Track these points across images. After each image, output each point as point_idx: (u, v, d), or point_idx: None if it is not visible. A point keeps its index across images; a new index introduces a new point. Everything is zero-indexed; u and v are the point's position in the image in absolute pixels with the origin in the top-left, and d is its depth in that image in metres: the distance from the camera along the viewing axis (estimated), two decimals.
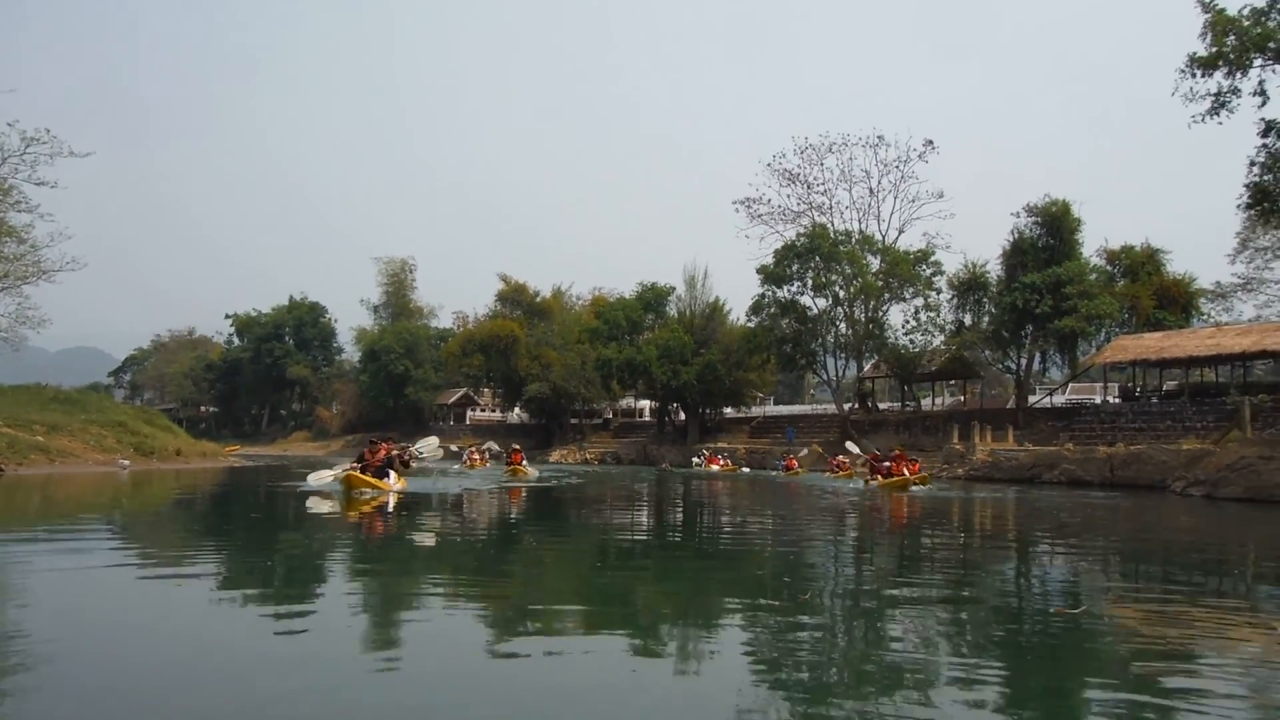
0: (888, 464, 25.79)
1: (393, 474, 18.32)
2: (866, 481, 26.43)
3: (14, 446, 24.85)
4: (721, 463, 44.00)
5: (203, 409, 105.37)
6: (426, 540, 9.74)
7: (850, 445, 33.05)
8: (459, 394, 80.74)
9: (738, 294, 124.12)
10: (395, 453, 19.75)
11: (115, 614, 4.81)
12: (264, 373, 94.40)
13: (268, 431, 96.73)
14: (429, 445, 22.62)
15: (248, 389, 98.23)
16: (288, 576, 6.59)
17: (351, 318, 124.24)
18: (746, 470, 42.37)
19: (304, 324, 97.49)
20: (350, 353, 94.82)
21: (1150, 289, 42.75)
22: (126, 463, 28.39)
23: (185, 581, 6.34)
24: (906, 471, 25.13)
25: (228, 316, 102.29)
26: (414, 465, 38.10)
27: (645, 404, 70.03)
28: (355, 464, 18.15)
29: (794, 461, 39.27)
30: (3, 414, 27.41)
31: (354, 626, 4.48)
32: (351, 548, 8.94)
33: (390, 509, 14.61)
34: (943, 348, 48.17)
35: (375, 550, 8.72)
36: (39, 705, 2.83)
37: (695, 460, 46.06)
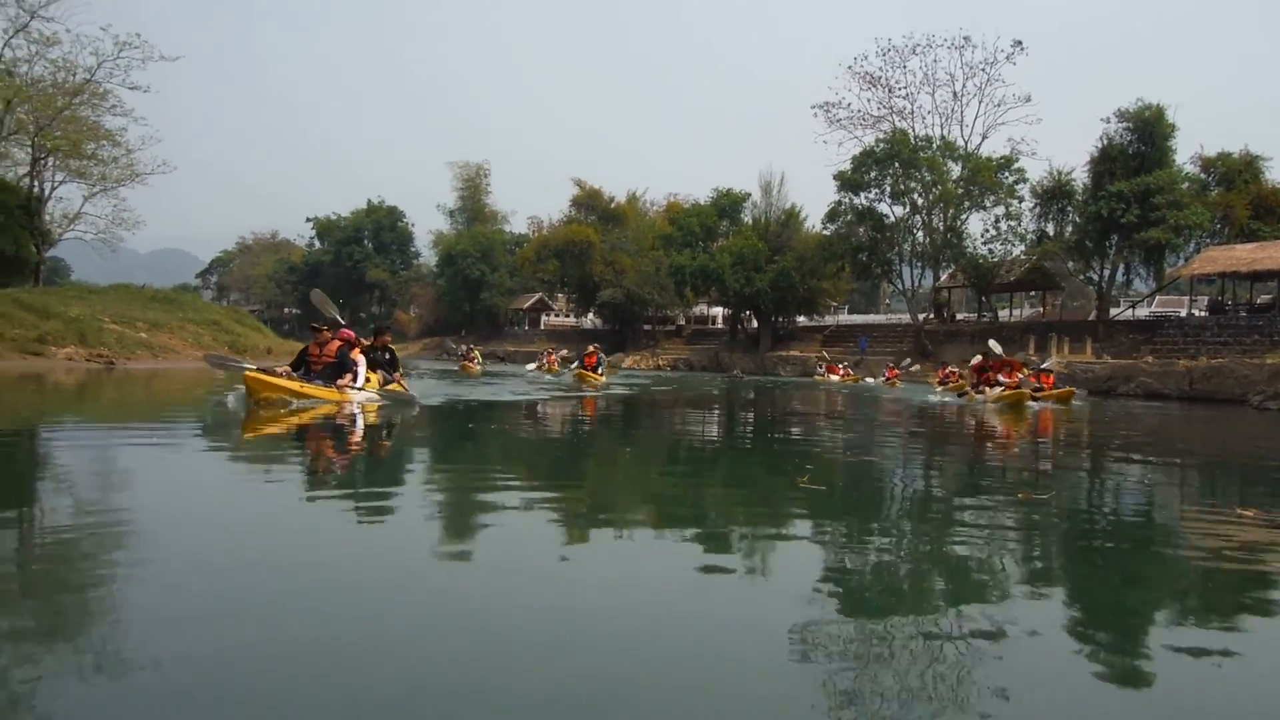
0: (999, 375, 21.30)
1: (361, 374, 12.81)
2: (970, 395, 21.94)
3: (122, 342, 26.31)
4: (842, 372, 40.76)
5: (286, 310, 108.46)
6: (494, 446, 9.63)
7: (993, 343, 23.91)
8: (534, 299, 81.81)
9: (814, 201, 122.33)
10: (369, 344, 14.31)
11: (207, 505, 5.09)
12: (344, 275, 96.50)
13: None
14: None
15: (328, 291, 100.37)
16: (366, 473, 6.79)
17: (429, 222, 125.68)
18: (871, 381, 38.55)
19: (382, 228, 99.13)
20: (427, 257, 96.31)
21: (1246, 198, 41.07)
22: None
23: (273, 474, 6.69)
24: (1012, 382, 20.79)
25: (308, 220, 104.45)
26: (481, 367, 36.01)
27: (718, 311, 70.17)
28: (279, 370, 12.49)
29: (894, 371, 38.20)
30: (109, 311, 28.93)
31: (428, 525, 4.59)
32: (425, 448, 9.18)
33: (343, 426, 10.27)
34: (1023, 258, 47.24)
35: (445, 452, 9.03)
36: (124, 594, 3.04)
37: (817, 370, 43.56)
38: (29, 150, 37.52)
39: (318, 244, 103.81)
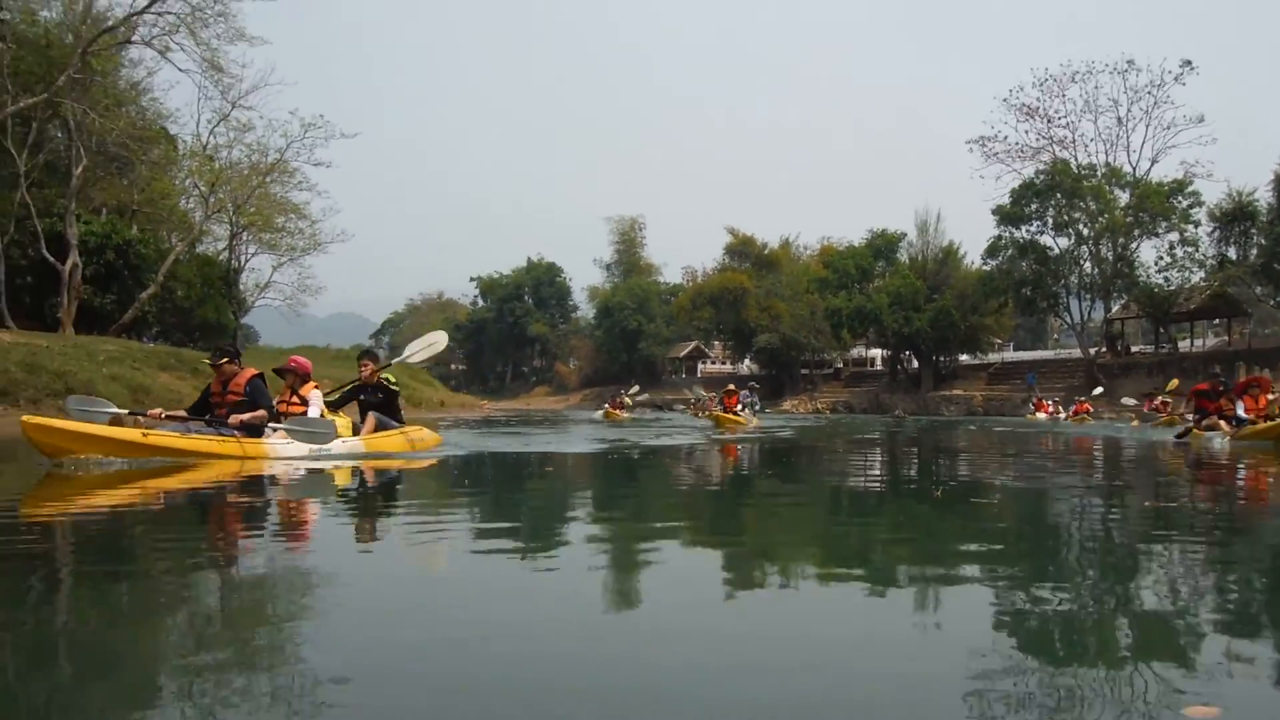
0: (1237, 400, 14.43)
1: (281, 425, 8.95)
2: (1192, 429, 14.97)
3: None
4: (1050, 409, 35.71)
5: (453, 366, 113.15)
6: (656, 494, 9.21)
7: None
8: (690, 347, 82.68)
9: (971, 238, 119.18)
10: (354, 382, 10.79)
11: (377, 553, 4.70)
12: (506, 331, 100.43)
13: (511, 387, 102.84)
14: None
15: (492, 347, 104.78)
16: (533, 520, 6.20)
17: (585, 277, 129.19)
18: (1069, 422, 31.58)
19: (541, 284, 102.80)
20: (585, 310, 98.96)
21: None
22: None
23: (447, 520, 6.08)
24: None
25: (472, 279, 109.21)
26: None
27: (877, 353, 69.18)
28: (153, 413, 8.59)
29: (1086, 406, 33.29)
30: None
31: (591, 576, 4.13)
32: (587, 494, 8.50)
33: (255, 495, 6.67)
34: (1202, 284, 44.79)
35: (602, 499, 8.52)
36: (300, 629, 2.89)
37: (1028, 406, 39.27)
38: (228, 227, 41.21)
39: (481, 302, 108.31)
